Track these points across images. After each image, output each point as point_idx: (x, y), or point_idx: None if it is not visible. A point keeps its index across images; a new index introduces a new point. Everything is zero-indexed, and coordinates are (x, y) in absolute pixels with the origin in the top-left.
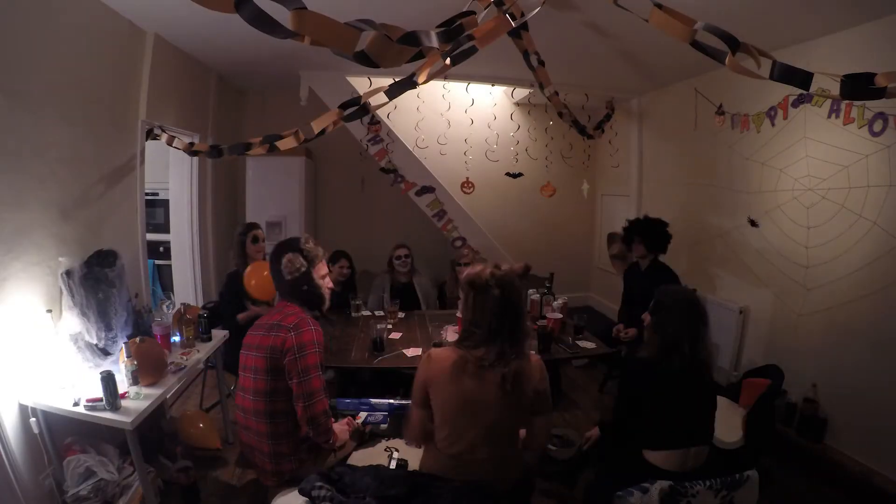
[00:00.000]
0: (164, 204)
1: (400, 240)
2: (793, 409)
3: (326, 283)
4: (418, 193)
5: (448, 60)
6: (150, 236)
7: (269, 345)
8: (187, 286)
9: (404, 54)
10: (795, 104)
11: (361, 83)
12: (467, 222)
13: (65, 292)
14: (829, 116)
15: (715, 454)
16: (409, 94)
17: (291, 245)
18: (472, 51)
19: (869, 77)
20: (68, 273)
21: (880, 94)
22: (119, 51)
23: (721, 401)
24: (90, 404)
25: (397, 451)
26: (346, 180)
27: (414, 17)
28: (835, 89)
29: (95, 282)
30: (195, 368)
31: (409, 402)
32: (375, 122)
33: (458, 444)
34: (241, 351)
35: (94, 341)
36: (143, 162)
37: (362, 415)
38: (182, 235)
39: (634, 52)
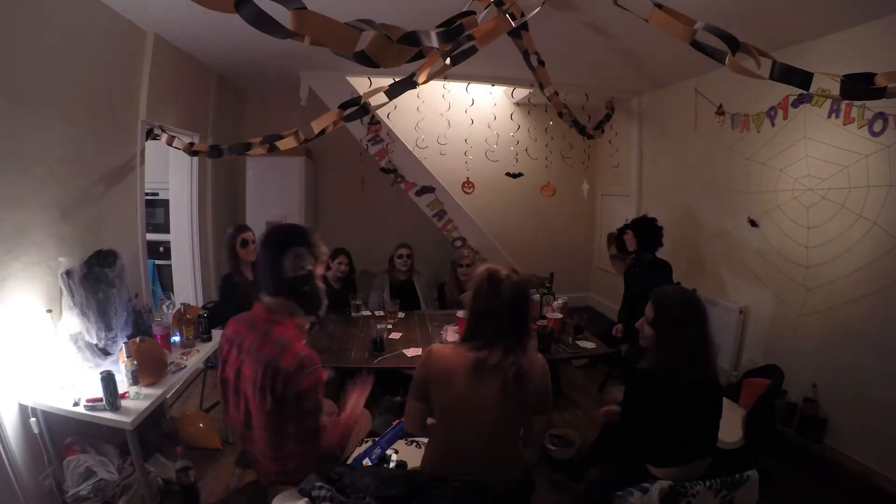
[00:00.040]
0: (164, 204)
1: (401, 240)
2: (793, 409)
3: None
4: (418, 193)
5: (448, 60)
6: (150, 236)
7: (251, 378)
8: (187, 286)
9: (404, 54)
10: (795, 104)
11: (361, 83)
12: (467, 222)
13: (65, 292)
14: (829, 116)
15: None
16: (409, 94)
17: (299, 237)
18: (472, 51)
19: (869, 77)
20: (68, 273)
21: (880, 94)
22: (119, 51)
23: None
24: (90, 404)
25: (397, 451)
26: (346, 180)
27: (414, 17)
28: (835, 89)
29: (95, 282)
30: (195, 368)
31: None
32: (375, 122)
33: (458, 443)
34: (218, 363)
35: (94, 341)
36: (143, 162)
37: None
38: (182, 235)
39: (634, 52)
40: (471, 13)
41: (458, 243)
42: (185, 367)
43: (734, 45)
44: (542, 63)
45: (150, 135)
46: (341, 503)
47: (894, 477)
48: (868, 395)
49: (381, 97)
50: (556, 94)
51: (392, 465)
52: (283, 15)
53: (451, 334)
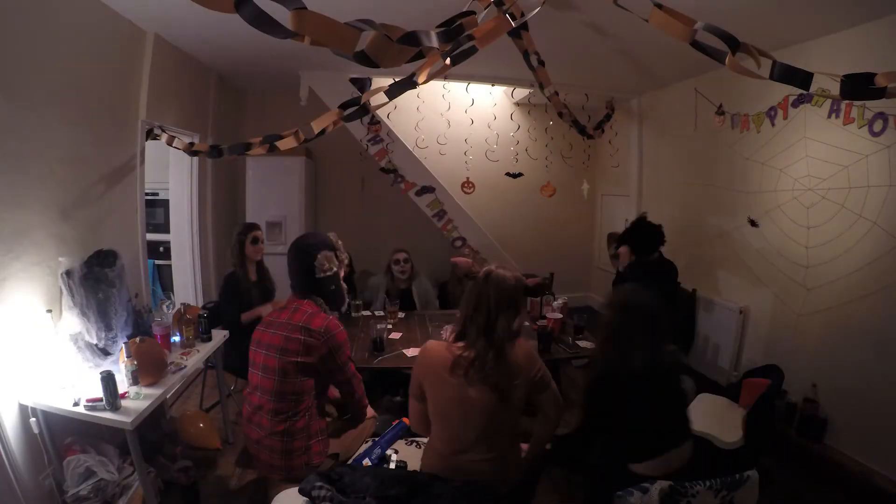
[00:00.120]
0: (164, 204)
1: (398, 244)
2: (793, 409)
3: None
4: (418, 193)
5: (448, 60)
6: (150, 236)
7: (282, 346)
8: (187, 286)
9: (404, 54)
10: (795, 104)
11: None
12: (467, 222)
13: (65, 292)
14: (829, 116)
15: (714, 454)
16: (409, 94)
17: (326, 243)
18: (472, 51)
19: (869, 77)
20: (68, 273)
21: (880, 94)
22: (119, 51)
23: (721, 401)
24: (90, 404)
25: (397, 451)
26: (346, 180)
27: (414, 17)
28: (835, 89)
29: (95, 282)
30: (195, 368)
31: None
32: (375, 122)
33: (454, 445)
34: (250, 347)
35: (94, 341)
36: (143, 162)
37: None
38: (182, 235)
39: (634, 52)
40: (471, 13)
41: (458, 243)
42: (185, 367)
43: (734, 45)
44: (542, 63)
45: (150, 135)
46: (341, 503)
47: (894, 477)
48: (868, 395)
49: (381, 97)
50: (556, 94)
51: (392, 465)
52: (283, 15)
53: (451, 335)
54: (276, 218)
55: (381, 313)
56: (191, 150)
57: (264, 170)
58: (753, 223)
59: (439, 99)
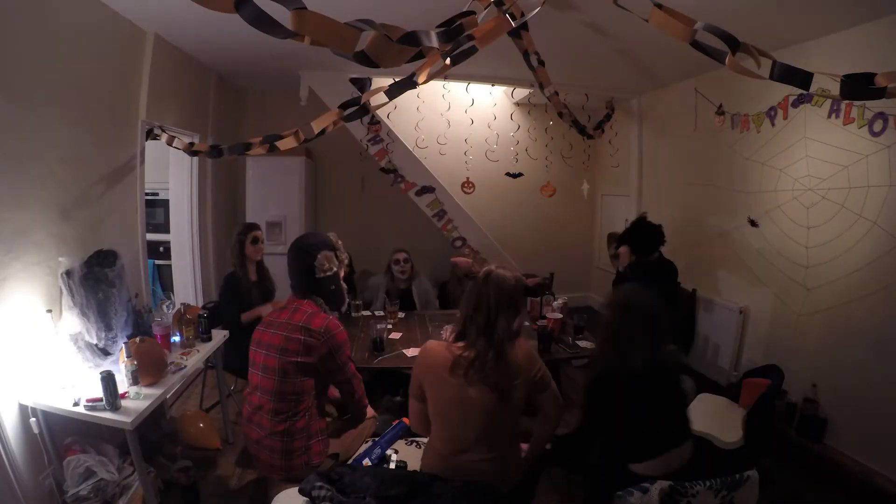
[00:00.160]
0: (164, 204)
1: (398, 244)
2: (793, 409)
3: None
4: (418, 193)
5: (448, 60)
6: (150, 236)
7: (282, 346)
8: (187, 286)
9: (404, 54)
10: (795, 104)
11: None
12: (467, 222)
13: (65, 292)
14: (829, 116)
15: (714, 454)
16: (409, 94)
17: (326, 243)
18: (472, 51)
19: (869, 77)
20: (68, 273)
21: (880, 94)
22: (119, 51)
23: (721, 401)
24: (90, 404)
25: (397, 451)
26: (346, 180)
27: (414, 17)
28: (835, 89)
29: (95, 282)
30: (195, 368)
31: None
32: (375, 122)
33: (454, 445)
34: (250, 347)
35: (94, 341)
36: (143, 162)
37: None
38: (182, 235)
39: (634, 52)
40: (471, 13)
41: (458, 243)
42: (185, 367)
43: (734, 45)
44: (542, 63)
45: (150, 135)
46: (341, 503)
47: (894, 477)
48: (868, 395)
49: (381, 97)
50: (556, 94)
51: (392, 465)
52: (283, 15)
53: (451, 334)
54: (276, 218)
55: (381, 313)
56: (191, 150)
57: (264, 170)
58: (753, 223)
59: (439, 99)
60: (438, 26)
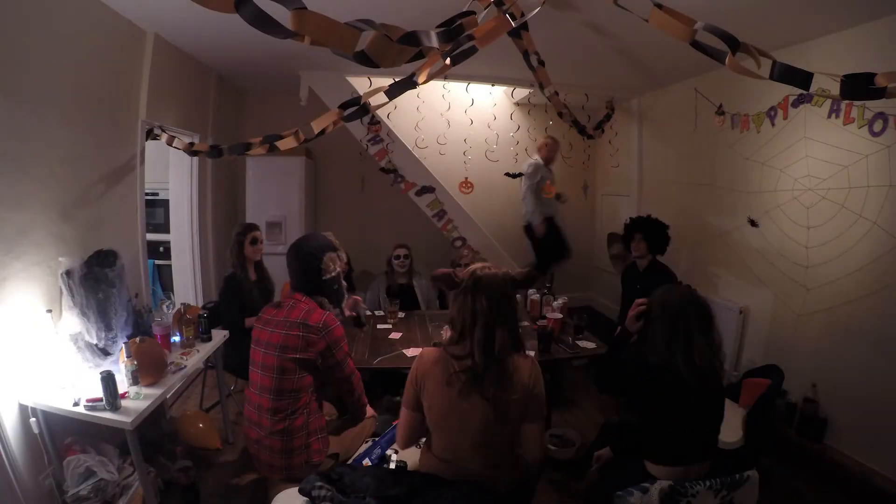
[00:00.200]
0: (164, 204)
1: (400, 240)
2: (793, 409)
3: None
4: (418, 193)
5: (448, 60)
6: (150, 236)
7: (281, 343)
8: (187, 286)
9: (404, 54)
10: (795, 104)
11: (361, 83)
12: (467, 222)
13: (65, 292)
14: (829, 116)
15: (714, 454)
16: (409, 94)
17: (329, 245)
18: (472, 51)
19: (869, 77)
20: (68, 273)
21: (880, 94)
22: (119, 51)
23: None
24: (90, 404)
25: (397, 451)
26: (346, 180)
27: (414, 17)
28: (835, 89)
29: (95, 282)
30: (195, 368)
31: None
32: (375, 122)
33: (451, 452)
34: (251, 345)
35: (94, 341)
36: (143, 162)
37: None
38: (182, 235)
39: (634, 52)
40: (471, 13)
41: (458, 243)
42: (185, 367)
43: (734, 45)
44: (542, 63)
45: (150, 135)
46: (341, 503)
47: (894, 477)
48: (868, 395)
49: (381, 97)
50: (556, 94)
51: (392, 465)
52: (283, 15)
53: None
54: (276, 218)
55: (381, 313)
56: (191, 150)
57: (264, 170)
58: (753, 223)
59: (439, 99)
60: (438, 26)
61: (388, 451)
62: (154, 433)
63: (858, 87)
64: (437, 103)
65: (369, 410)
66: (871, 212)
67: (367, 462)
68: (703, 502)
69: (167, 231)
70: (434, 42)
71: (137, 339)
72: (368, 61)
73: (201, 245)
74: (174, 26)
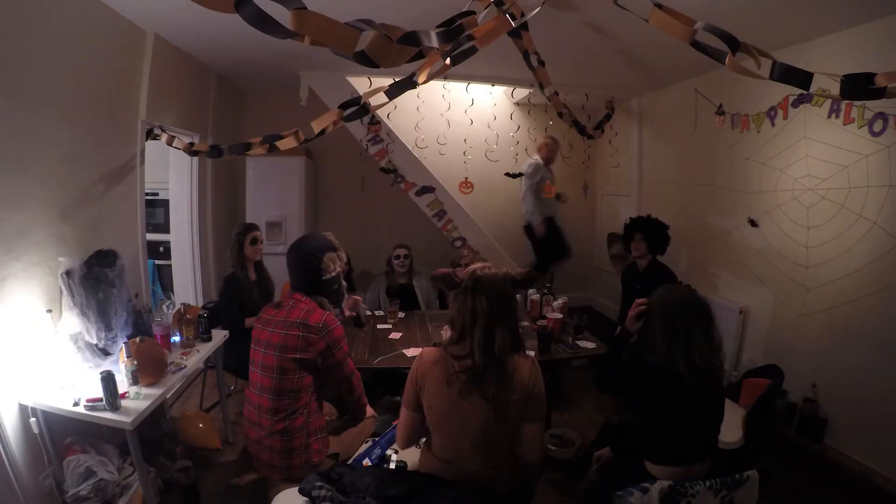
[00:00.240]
0: (164, 204)
1: (400, 240)
2: (793, 409)
3: None
4: (418, 193)
5: (448, 60)
6: (150, 236)
7: (281, 343)
8: (187, 286)
9: (404, 54)
10: (795, 104)
11: (361, 83)
12: (467, 222)
13: (65, 292)
14: (829, 116)
15: (714, 454)
16: (409, 94)
17: (329, 245)
18: (472, 51)
19: (869, 77)
20: (68, 273)
21: (880, 94)
22: (119, 51)
23: None
24: (90, 404)
25: (397, 451)
26: (346, 180)
27: (414, 17)
28: (835, 89)
29: (95, 282)
30: (195, 368)
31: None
32: (375, 122)
33: (451, 452)
34: (250, 345)
35: (94, 341)
36: (143, 162)
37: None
38: (182, 235)
39: (634, 52)
40: (471, 13)
41: (458, 243)
42: (185, 367)
43: (734, 45)
44: (542, 63)
45: (150, 135)
46: (341, 503)
47: (894, 477)
48: (868, 395)
49: (381, 97)
50: (556, 94)
51: (392, 465)
52: (283, 15)
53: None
54: (276, 218)
55: (381, 313)
56: (191, 150)
57: (264, 170)
58: (753, 223)
59: (439, 99)
60: (438, 26)
61: (388, 451)
62: (154, 433)
63: (858, 87)
64: (437, 103)
65: (369, 410)
66: (871, 212)
67: (367, 462)
68: (703, 502)
69: (167, 231)
70: (434, 42)
71: (137, 339)
72: (368, 61)
73: (201, 245)
74: (174, 26)
